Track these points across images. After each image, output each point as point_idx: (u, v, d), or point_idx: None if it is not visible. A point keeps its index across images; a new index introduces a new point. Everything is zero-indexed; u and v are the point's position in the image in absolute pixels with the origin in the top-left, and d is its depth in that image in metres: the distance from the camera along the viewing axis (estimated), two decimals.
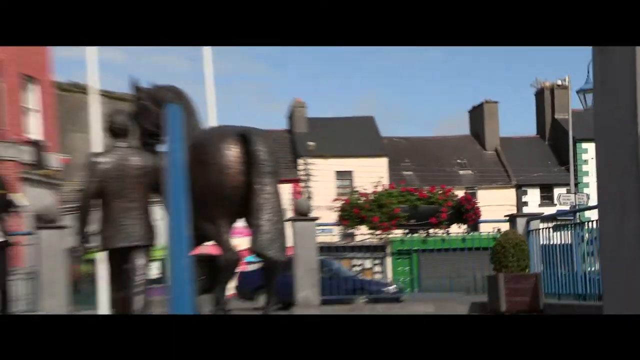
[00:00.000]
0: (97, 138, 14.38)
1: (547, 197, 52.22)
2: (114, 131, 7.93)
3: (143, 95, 8.53)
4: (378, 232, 12.78)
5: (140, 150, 8.07)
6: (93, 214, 7.92)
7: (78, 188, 7.94)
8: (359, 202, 12.59)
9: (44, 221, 13.26)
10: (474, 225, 14.37)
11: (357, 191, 13.04)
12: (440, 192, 12.65)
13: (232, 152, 7.07)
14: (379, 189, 12.81)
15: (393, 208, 12.28)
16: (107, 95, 55.58)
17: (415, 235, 13.36)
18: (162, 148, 8.62)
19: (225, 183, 7.07)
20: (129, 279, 7.75)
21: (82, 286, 18.67)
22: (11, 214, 10.67)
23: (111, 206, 7.64)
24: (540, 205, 50.34)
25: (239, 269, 8.02)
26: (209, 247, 8.67)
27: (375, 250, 43.18)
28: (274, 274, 7.51)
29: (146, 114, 8.42)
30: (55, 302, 12.94)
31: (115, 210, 7.65)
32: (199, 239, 8.43)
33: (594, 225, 12.09)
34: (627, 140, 3.35)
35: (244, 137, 7.10)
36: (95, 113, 13.81)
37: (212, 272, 8.33)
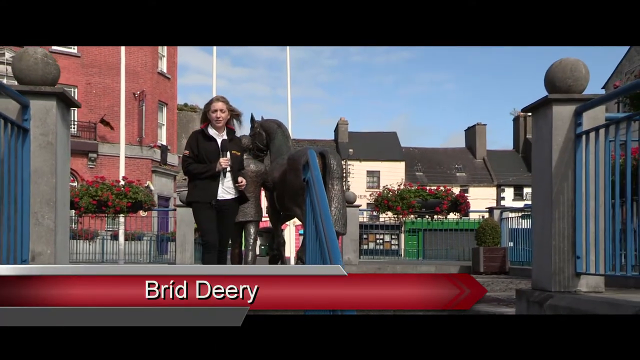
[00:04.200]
0: None
1: (518, 194, 52.13)
2: None
3: (257, 125, 9.52)
4: (399, 216, 13.56)
5: (255, 160, 8.77)
6: None
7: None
8: (388, 195, 13.36)
9: (181, 201, 13.79)
10: (465, 213, 15.08)
11: (387, 188, 13.78)
12: (443, 190, 13.44)
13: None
14: (402, 187, 13.61)
15: (410, 200, 13.03)
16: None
17: (422, 219, 14.05)
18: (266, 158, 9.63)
19: None
20: (245, 241, 8.73)
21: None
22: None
23: None
24: (513, 200, 50.23)
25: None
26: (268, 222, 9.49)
27: (393, 229, 43.66)
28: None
29: (259, 137, 9.35)
30: (187, 254, 13.38)
31: None
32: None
33: None
34: (548, 171, 4.41)
35: (322, 154, 7.53)
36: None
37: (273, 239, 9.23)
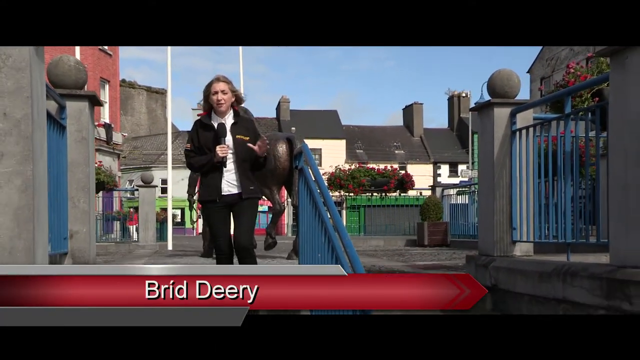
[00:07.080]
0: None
1: (453, 171, 53.88)
2: None
3: None
4: (351, 194, 14.71)
5: None
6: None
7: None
8: (340, 175, 14.51)
9: (143, 181, 14.16)
10: (405, 190, 16.01)
11: (339, 167, 14.84)
12: (390, 170, 14.65)
13: (283, 148, 8.57)
14: (353, 166, 14.74)
15: (361, 179, 14.23)
16: (147, 89, 55.80)
17: (364, 195, 15.13)
18: None
19: (278, 165, 8.49)
20: None
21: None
22: None
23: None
24: (448, 177, 51.73)
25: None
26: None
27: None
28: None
29: None
30: (149, 232, 14.02)
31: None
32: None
33: None
34: (491, 160, 5.51)
35: (289, 139, 8.69)
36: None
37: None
